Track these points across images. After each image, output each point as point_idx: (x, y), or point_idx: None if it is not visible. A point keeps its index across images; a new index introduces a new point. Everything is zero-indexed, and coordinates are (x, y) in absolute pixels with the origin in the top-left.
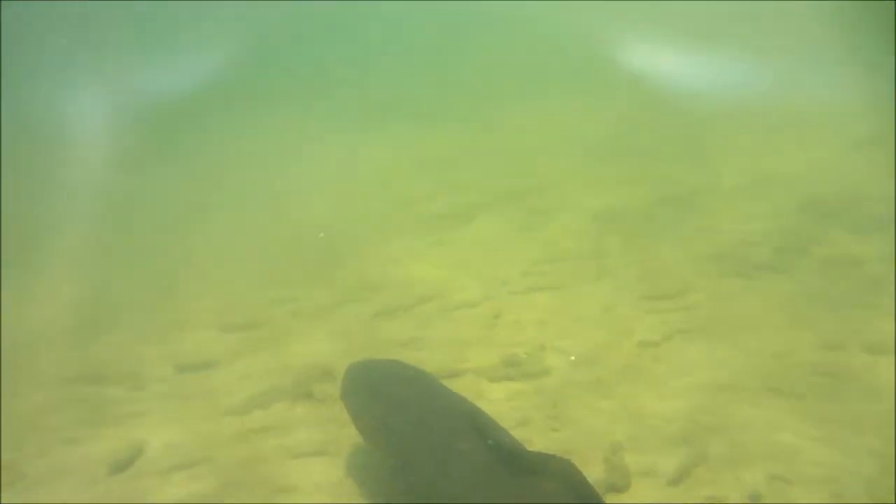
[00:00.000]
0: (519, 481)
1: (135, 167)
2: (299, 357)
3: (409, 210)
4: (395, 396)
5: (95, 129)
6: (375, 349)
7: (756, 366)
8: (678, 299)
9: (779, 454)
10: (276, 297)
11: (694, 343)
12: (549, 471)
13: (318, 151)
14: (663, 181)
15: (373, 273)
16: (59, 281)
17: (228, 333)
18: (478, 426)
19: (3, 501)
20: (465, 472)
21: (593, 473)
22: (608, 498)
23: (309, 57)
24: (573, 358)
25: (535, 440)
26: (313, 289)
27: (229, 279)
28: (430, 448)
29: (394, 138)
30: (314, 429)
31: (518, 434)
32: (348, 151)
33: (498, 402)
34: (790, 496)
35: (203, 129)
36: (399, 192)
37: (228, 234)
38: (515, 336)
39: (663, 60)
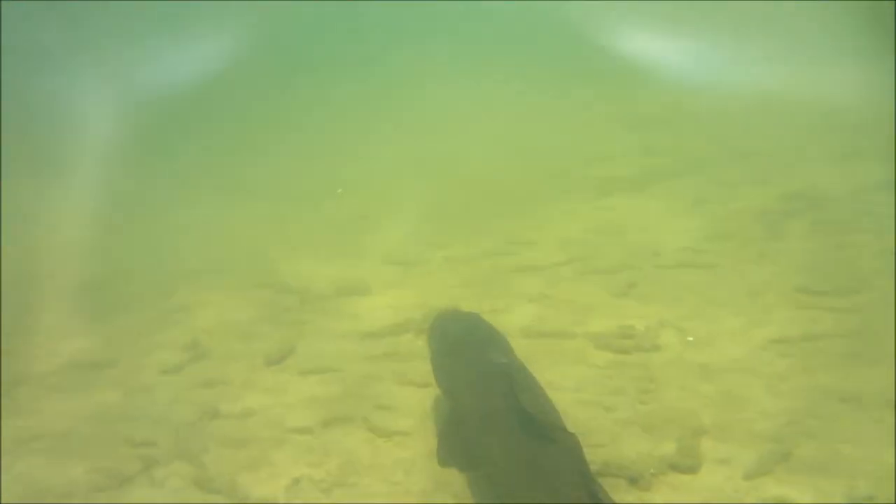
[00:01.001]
0: (532, 445)
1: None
2: (436, 297)
3: (587, 170)
4: (458, 347)
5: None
6: (503, 300)
7: None
8: (843, 298)
9: (875, 473)
10: (436, 241)
11: (836, 347)
12: (556, 442)
13: (500, 108)
14: (885, 159)
15: (527, 229)
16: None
17: (387, 267)
18: (512, 386)
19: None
20: (495, 428)
21: (661, 450)
22: (668, 476)
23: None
24: (691, 339)
25: (619, 409)
26: (471, 238)
27: (399, 222)
28: (475, 399)
29: (587, 97)
30: (426, 362)
31: (605, 401)
32: (533, 108)
33: (596, 368)
34: None
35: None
36: (582, 152)
37: (407, 181)
38: (641, 308)
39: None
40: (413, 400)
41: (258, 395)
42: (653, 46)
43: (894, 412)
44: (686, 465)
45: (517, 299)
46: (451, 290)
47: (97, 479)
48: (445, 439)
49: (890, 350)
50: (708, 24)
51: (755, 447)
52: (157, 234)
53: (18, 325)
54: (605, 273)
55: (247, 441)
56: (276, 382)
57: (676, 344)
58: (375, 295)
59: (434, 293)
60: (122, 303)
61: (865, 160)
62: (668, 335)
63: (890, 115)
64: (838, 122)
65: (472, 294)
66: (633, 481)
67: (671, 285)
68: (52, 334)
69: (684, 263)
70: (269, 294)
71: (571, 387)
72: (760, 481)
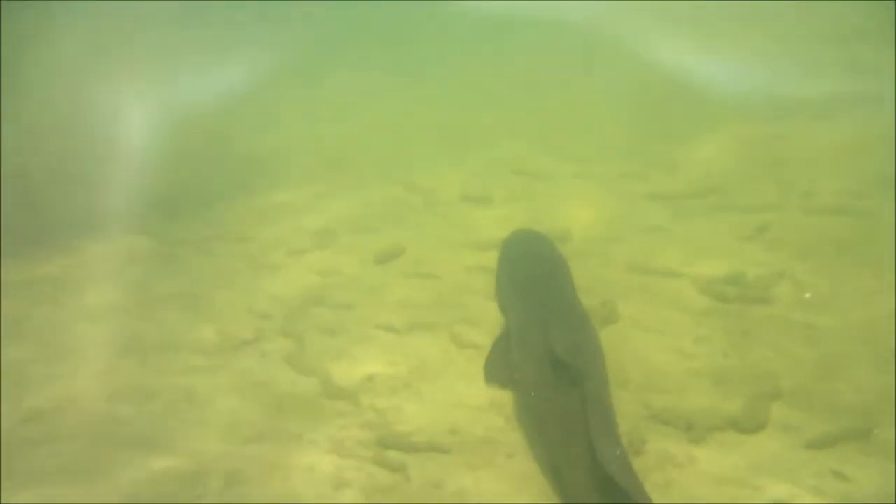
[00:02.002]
0: (559, 381)
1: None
2: (552, 215)
3: (767, 88)
4: (515, 270)
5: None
6: (618, 227)
7: None
8: None
9: None
10: (573, 157)
11: None
12: (577, 383)
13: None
14: None
15: (676, 152)
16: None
17: (515, 178)
18: (547, 320)
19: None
20: (531, 358)
21: (730, 408)
22: (725, 433)
23: None
24: (808, 296)
25: (698, 359)
26: (611, 157)
27: (542, 135)
28: (518, 325)
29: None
30: None
31: (687, 348)
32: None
33: (691, 313)
34: None
35: None
36: (769, 66)
37: (556, 99)
38: (763, 255)
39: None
40: (497, 316)
41: (360, 291)
42: None
43: None
44: (747, 425)
45: (632, 229)
46: (569, 209)
47: (218, 340)
48: (492, 357)
49: None
50: None
51: (831, 420)
52: (306, 124)
53: (186, 194)
54: (739, 211)
55: (340, 331)
56: (378, 281)
57: (788, 299)
58: (495, 206)
59: (551, 210)
60: (274, 182)
61: None
62: (783, 288)
63: None
64: None
65: (588, 216)
66: (686, 430)
67: (810, 232)
68: (208, 205)
69: (837, 209)
70: (399, 191)
71: (657, 328)
72: (822, 453)
